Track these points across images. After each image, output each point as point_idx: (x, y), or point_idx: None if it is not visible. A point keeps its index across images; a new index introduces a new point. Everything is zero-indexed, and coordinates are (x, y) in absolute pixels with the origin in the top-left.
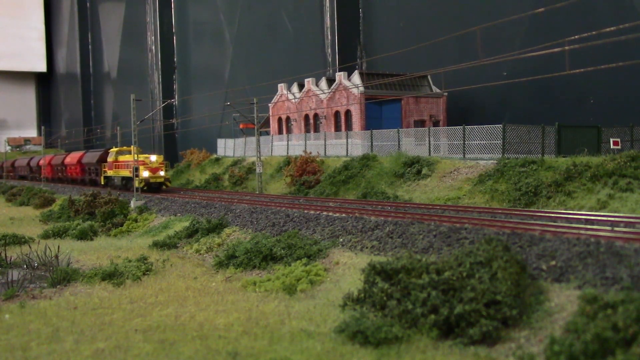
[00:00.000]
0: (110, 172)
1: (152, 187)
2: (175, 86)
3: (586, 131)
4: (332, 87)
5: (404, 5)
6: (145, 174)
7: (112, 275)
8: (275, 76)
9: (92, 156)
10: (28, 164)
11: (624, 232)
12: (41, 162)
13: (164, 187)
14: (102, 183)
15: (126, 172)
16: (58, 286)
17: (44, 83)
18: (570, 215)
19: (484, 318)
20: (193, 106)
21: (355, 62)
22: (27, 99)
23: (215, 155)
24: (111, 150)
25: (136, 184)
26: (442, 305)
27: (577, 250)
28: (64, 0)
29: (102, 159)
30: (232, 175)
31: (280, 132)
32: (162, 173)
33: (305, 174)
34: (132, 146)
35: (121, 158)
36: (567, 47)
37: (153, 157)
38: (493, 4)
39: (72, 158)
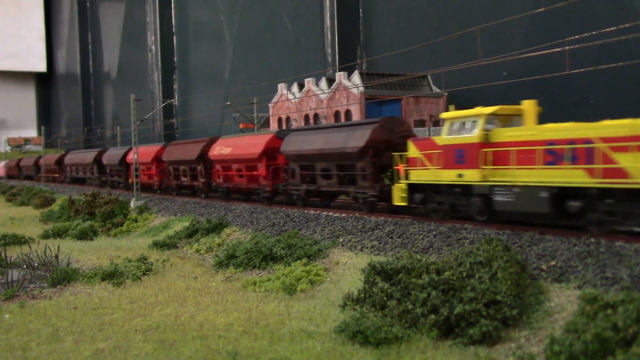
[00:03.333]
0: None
1: None
2: (175, 86)
3: None
4: (332, 87)
5: (404, 5)
6: None
7: (112, 275)
8: (275, 76)
9: (333, 139)
10: (96, 160)
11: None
12: (130, 157)
13: None
14: (404, 202)
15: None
16: (58, 286)
17: (44, 83)
18: None
19: (484, 318)
20: (193, 106)
21: (355, 62)
22: (27, 99)
23: None
24: (455, 114)
25: None
26: (442, 305)
27: (577, 250)
28: (64, 0)
29: (389, 143)
30: None
31: None
32: None
33: None
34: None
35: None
36: (567, 47)
37: None
38: (493, 4)
39: (235, 146)
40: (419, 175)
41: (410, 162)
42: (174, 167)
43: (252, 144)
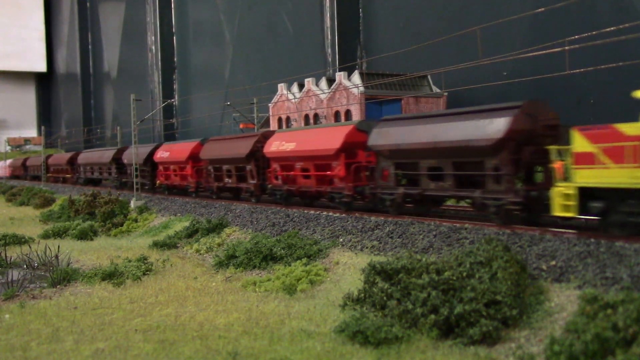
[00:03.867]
0: None
1: None
2: (175, 86)
3: None
4: (332, 87)
5: (404, 5)
6: None
7: (112, 275)
8: (275, 76)
9: (450, 129)
10: (115, 159)
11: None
12: (157, 155)
13: None
14: (572, 212)
15: None
16: (58, 286)
17: (44, 83)
18: None
19: (484, 318)
20: (193, 106)
21: (355, 62)
22: (27, 99)
23: None
24: None
25: None
26: (442, 305)
27: (577, 250)
28: (64, 0)
29: (532, 134)
30: None
31: None
32: None
33: None
34: None
35: None
36: (567, 47)
37: None
38: (493, 4)
39: (300, 141)
40: (595, 177)
41: (578, 159)
42: (214, 166)
43: (326, 138)
